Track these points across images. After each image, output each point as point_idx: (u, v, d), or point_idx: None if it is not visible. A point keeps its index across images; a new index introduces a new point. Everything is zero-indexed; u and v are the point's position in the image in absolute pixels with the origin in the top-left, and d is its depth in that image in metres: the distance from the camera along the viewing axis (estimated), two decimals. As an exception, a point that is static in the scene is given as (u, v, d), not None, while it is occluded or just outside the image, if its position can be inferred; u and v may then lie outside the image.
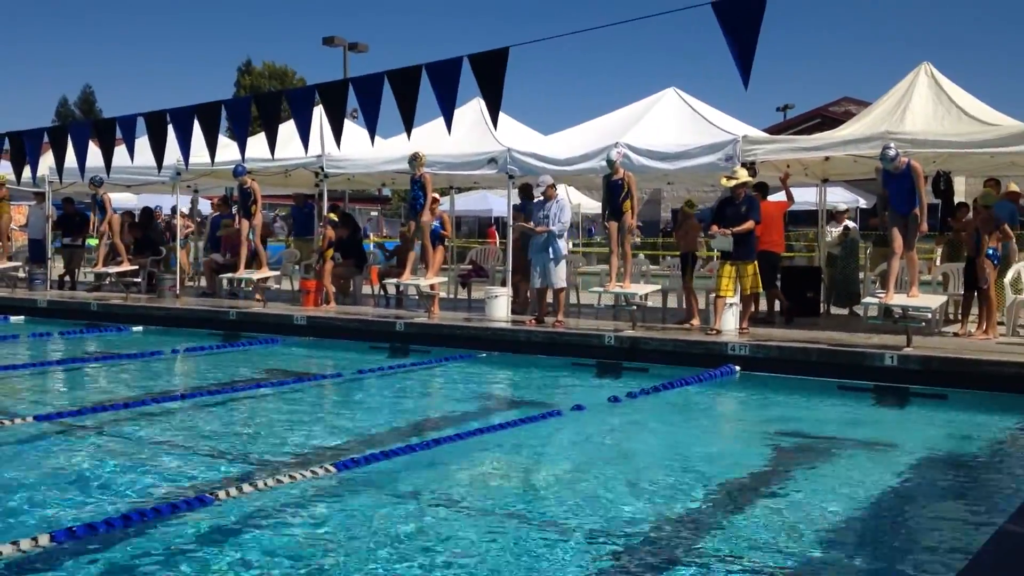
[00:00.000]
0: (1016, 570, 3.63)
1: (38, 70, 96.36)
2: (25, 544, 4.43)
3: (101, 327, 13.81)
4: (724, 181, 10.87)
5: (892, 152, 9.74)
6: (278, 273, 16.15)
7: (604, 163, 11.64)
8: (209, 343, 12.23)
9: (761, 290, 11.34)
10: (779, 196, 13.06)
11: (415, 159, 12.61)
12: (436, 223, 13.19)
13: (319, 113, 11.13)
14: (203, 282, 17.43)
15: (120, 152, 12.29)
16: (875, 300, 10.17)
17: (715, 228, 10.85)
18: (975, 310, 11.01)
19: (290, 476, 5.72)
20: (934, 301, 10.55)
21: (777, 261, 12.43)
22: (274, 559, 4.54)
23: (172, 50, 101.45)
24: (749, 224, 10.73)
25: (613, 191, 11.50)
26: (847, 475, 6.35)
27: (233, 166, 13.86)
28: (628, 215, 11.39)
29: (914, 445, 7.25)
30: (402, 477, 6.03)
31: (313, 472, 5.83)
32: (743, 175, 10.75)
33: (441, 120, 13.58)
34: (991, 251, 10.38)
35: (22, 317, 14.86)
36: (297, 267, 16.56)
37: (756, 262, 10.93)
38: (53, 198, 18.13)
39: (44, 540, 4.50)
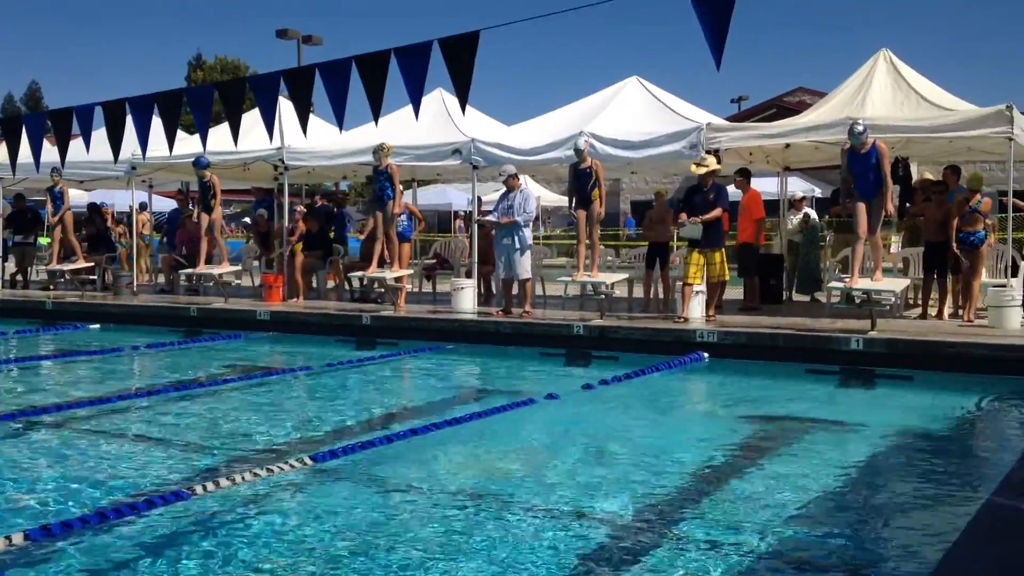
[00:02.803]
0: (1008, 541, 3.67)
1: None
2: (-2, 544, 4.28)
3: (57, 325, 13.49)
4: (694, 168, 10.91)
5: (860, 127, 9.83)
6: (239, 268, 15.89)
7: (569, 152, 11.63)
8: (171, 339, 11.99)
9: (727, 278, 11.38)
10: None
11: (380, 149, 12.45)
12: (405, 217, 13.07)
13: (279, 104, 10.91)
14: (160, 279, 17.12)
15: (73, 146, 11.94)
16: (840, 284, 10.28)
17: (683, 216, 10.88)
18: (935, 294, 11.18)
19: (267, 469, 5.61)
20: (898, 284, 10.70)
21: (758, 250, 12.61)
22: (253, 552, 4.44)
23: (120, 44, 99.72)
24: (717, 212, 10.78)
25: (581, 180, 11.48)
26: (820, 456, 6.40)
27: (193, 158, 13.58)
28: (596, 203, 11.39)
29: (883, 425, 7.32)
30: (380, 468, 5.96)
31: (291, 465, 5.73)
32: (712, 162, 10.80)
33: (402, 111, 13.60)
34: (983, 233, 10.39)
35: (-26, 317, 14.45)
36: (257, 262, 16.32)
37: (723, 249, 11.01)
38: (3, 195, 17.67)
39: (18, 539, 4.35)
